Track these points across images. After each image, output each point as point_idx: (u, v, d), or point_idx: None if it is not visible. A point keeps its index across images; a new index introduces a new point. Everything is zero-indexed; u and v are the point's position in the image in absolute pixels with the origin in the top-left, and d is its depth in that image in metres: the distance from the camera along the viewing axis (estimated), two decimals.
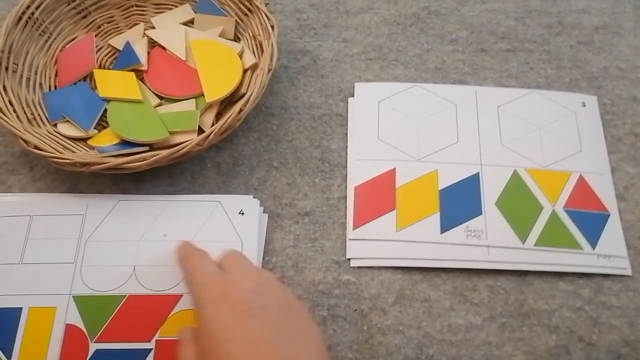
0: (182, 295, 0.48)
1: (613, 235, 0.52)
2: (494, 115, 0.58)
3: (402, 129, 0.57)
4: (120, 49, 0.60)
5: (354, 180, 0.54)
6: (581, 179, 0.54)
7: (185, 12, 0.62)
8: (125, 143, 0.52)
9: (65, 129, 0.54)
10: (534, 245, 0.51)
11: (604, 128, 0.58)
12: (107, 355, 0.45)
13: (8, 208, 0.52)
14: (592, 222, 0.52)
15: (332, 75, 0.61)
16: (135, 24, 0.63)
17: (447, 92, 0.60)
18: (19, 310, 0.47)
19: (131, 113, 0.55)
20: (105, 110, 0.55)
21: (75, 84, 0.57)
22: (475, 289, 0.50)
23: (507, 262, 0.50)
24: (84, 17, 0.61)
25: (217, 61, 0.57)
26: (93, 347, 0.46)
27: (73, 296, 0.48)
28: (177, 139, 0.53)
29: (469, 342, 0.47)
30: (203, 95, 0.55)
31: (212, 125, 0.53)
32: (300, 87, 0.60)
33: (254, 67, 0.57)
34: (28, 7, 0.56)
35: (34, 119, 0.54)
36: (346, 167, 0.55)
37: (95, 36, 0.61)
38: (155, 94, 0.57)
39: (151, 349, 0.46)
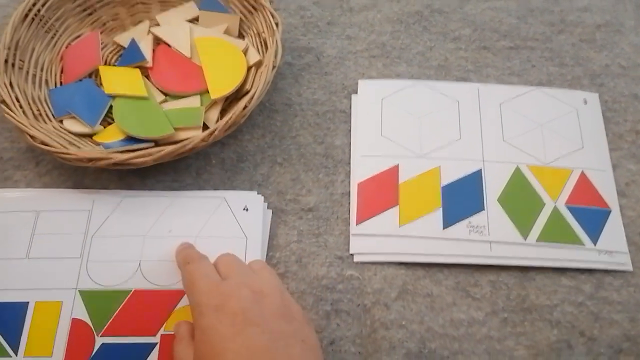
0: None
1: (614, 232, 0.52)
2: (497, 112, 0.58)
3: (405, 125, 0.57)
4: (126, 46, 0.60)
5: (358, 176, 0.55)
6: (583, 176, 0.55)
7: (190, 9, 0.63)
8: (130, 139, 0.53)
9: (71, 125, 0.54)
10: (536, 241, 0.51)
11: (605, 125, 0.58)
12: (113, 349, 0.46)
13: (14, 203, 0.52)
14: (593, 218, 0.53)
15: (336, 72, 0.62)
16: (140, 22, 0.63)
17: (450, 90, 0.60)
18: (25, 304, 0.47)
19: (136, 109, 0.55)
20: (111, 106, 0.56)
21: (80, 80, 0.58)
22: (477, 284, 0.50)
23: (509, 257, 0.51)
24: (90, 14, 0.62)
25: (222, 58, 0.57)
26: (99, 341, 0.46)
27: (79, 291, 0.48)
28: (182, 135, 0.53)
29: (471, 337, 0.48)
30: (208, 91, 0.56)
31: (217, 121, 0.54)
32: (304, 84, 0.61)
33: (259, 64, 0.57)
34: (34, 4, 0.57)
35: (40, 115, 0.54)
36: (349, 163, 0.56)
37: (101, 33, 0.61)
38: (160, 90, 0.58)
39: (156, 343, 0.46)
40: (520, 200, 0.53)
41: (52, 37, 0.59)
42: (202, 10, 0.62)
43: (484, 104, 0.59)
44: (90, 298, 0.48)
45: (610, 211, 0.53)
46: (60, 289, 0.48)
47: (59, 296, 0.48)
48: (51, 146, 0.49)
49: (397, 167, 0.55)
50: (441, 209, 0.53)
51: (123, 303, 0.48)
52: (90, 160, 0.48)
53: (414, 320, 0.48)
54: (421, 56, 0.63)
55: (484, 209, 0.53)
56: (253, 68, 0.57)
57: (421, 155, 0.56)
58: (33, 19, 0.57)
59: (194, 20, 0.62)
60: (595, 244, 0.51)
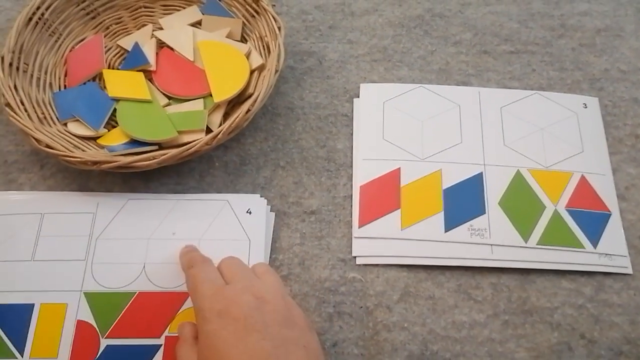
0: None
1: (614, 235, 0.53)
2: (497, 116, 0.59)
3: (406, 129, 0.58)
4: (129, 49, 0.61)
5: (360, 180, 0.55)
6: (583, 179, 0.55)
7: (193, 13, 0.63)
8: (134, 142, 0.53)
9: (75, 128, 0.55)
10: (537, 244, 0.52)
11: (605, 129, 0.59)
12: (117, 350, 0.46)
13: (19, 206, 0.53)
14: (593, 222, 0.53)
15: (338, 76, 0.62)
16: (144, 25, 0.63)
17: (451, 93, 0.60)
18: (31, 306, 0.48)
19: (140, 113, 0.55)
20: (115, 109, 0.56)
21: (84, 83, 0.58)
22: (478, 287, 0.51)
23: (510, 260, 0.51)
24: (93, 17, 0.62)
25: (225, 62, 0.58)
26: (104, 342, 0.46)
27: (84, 293, 0.48)
28: (186, 138, 0.54)
29: (472, 339, 0.48)
30: (211, 95, 0.56)
31: (220, 125, 0.54)
32: (306, 88, 0.61)
33: (261, 68, 0.57)
34: (38, 8, 0.57)
35: (45, 118, 0.54)
36: (352, 166, 0.56)
37: (104, 37, 0.62)
38: (163, 94, 0.58)
39: (161, 345, 0.47)
40: (521, 204, 0.54)
41: (56, 41, 0.60)
42: (205, 14, 0.62)
43: (484, 108, 0.59)
44: (95, 300, 0.48)
45: (610, 214, 0.54)
46: (66, 291, 0.48)
47: (64, 298, 0.48)
48: (56, 149, 0.50)
49: (398, 170, 0.55)
50: (443, 212, 0.53)
51: (128, 305, 0.48)
52: (95, 163, 0.49)
53: (416, 323, 0.49)
54: (422, 60, 0.64)
55: (485, 212, 0.53)
56: (256, 72, 0.58)
57: (423, 158, 0.56)
58: (37, 22, 0.57)
59: (197, 24, 0.63)
60: (595, 247, 0.52)
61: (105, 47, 0.61)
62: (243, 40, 0.62)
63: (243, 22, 0.62)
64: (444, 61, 0.64)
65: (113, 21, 0.63)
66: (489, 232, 0.52)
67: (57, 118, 0.55)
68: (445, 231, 0.52)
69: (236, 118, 0.51)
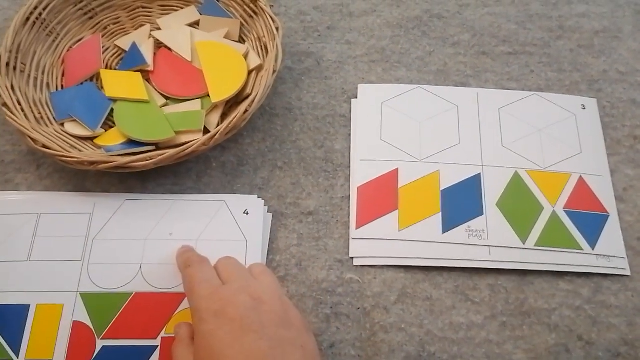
0: None
1: (612, 236, 0.52)
2: (495, 117, 0.59)
3: (404, 130, 0.58)
4: (127, 49, 0.60)
5: (357, 181, 0.55)
6: (581, 181, 0.55)
7: (191, 13, 0.63)
8: (131, 142, 0.53)
9: (72, 128, 0.55)
10: (535, 245, 0.52)
11: (603, 130, 0.59)
12: (113, 351, 0.46)
13: (16, 206, 0.52)
14: (591, 223, 0.53)
15: (336, 77, 0.62)
16: (142, 25, 0.63)
17: (449, 94, 0.60)
18: (26, 307, 0.47)
19: (137, 113, 0.55)
20: (112, 110, 0.56)
21: (82, 84, 0.58)
22: (476, 288, 0.50)
23: (507, 261, 0.51)
24: (91, 18, 0.62)
25: (223, 62, 0.58)
26: (100, 343, 0.46)
27: (80, 293, 0.48)
28: (183, 138, 0.54)
29: (470, 340, 0.48)
30: (209, 95, 0.56)
31: (218, 125, 0.54)
32: (304, 89, 0.61)
33: (259, 68, 0.57)
34: (35, 8, 0.57)
35: (42, 118, 0.54)
36: (349, 167, 0.56)
37: (102, 37, 0.61)
38: (161, 94, 0.58)
39: (157, 346, 0.46)
40: (519, 205, 0.54)
41: (54, 41, 0.60)
42: (203, 14, 0.62)
43: (483, 109, 0.59)
44: (92, 301, 0.48)
45: (608, 216, 0.54)
46: (62, 292, 0.48)
47: (60, 299, 0.48)
48: (52, 149, 0.49)
49: (396, 171, 0.55)
50: (440, 213, 0.53)
51: (124, 306, 0.48)
52: (92, 163, 0.49)
53: (414, 324, 0.49)
54: (420, 61, 0.63)
55: (482, 214, 0.53)
56: (254, 72, 0.57)
57: (420, 159, 0.56)
58: (34, 22, 0.57)
59: (195, 24, 0.62)
60: (593, 249, 0.52)
61: (102, 47, 0.61)
62: (241, 40, 0.62)
63: (241, 22, 0.62)
64: (442, 62, 0.63)
65: (111, 21, 0.63)
66: (486, 233, 0.52)
67: (54, 118, 0.55)
68: (443, 232, 0.52)
69: (234, 118, 0.50)
